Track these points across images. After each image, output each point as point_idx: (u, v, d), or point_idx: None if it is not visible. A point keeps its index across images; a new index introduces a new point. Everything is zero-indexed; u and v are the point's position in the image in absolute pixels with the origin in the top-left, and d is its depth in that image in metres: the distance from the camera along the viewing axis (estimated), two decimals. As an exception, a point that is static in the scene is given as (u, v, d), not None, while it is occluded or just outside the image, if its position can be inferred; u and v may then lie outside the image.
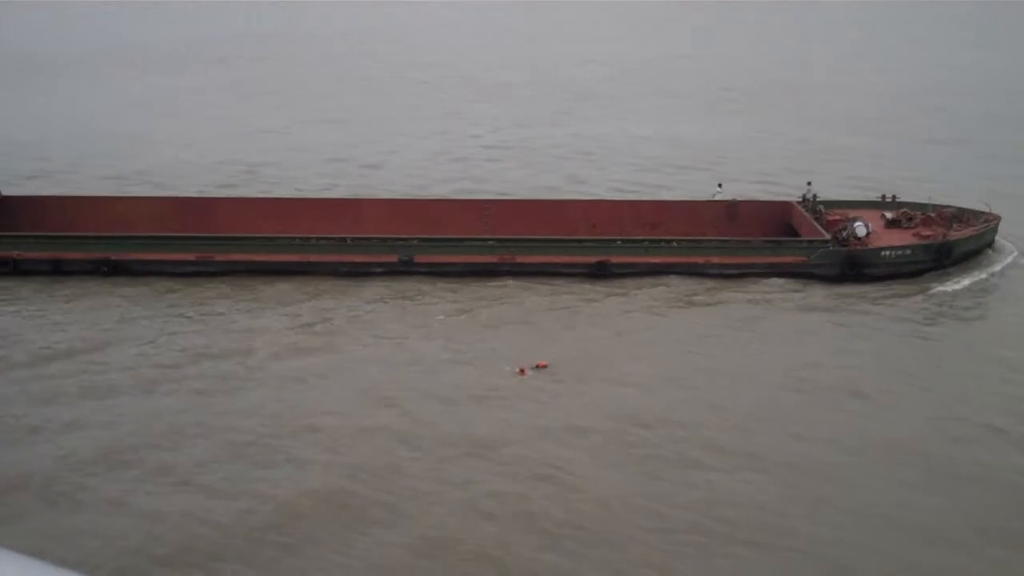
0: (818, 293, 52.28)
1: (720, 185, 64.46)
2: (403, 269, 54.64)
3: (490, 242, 55.50)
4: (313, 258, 54.89)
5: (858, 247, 54.71)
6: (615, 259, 54.43)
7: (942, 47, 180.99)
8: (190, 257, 55.03)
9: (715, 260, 54.35)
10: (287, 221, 60.12)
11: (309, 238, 55.73)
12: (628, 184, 75.41)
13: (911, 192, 63.67)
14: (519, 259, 54.76)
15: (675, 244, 55.23)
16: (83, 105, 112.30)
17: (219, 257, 54.99)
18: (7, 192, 63.47)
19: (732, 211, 60.51)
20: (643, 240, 55.71)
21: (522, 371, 41.73)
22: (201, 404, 39.05)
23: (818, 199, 60.24)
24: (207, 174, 78.68)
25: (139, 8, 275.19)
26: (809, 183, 61.79)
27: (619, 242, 55.42)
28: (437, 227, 58.89)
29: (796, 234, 58.40)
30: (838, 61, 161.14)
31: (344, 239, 55.71)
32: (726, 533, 30.12)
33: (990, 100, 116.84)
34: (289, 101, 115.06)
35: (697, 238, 56.02)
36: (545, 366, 42.25)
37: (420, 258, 54.68)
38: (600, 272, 54.24)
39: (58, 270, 54.70)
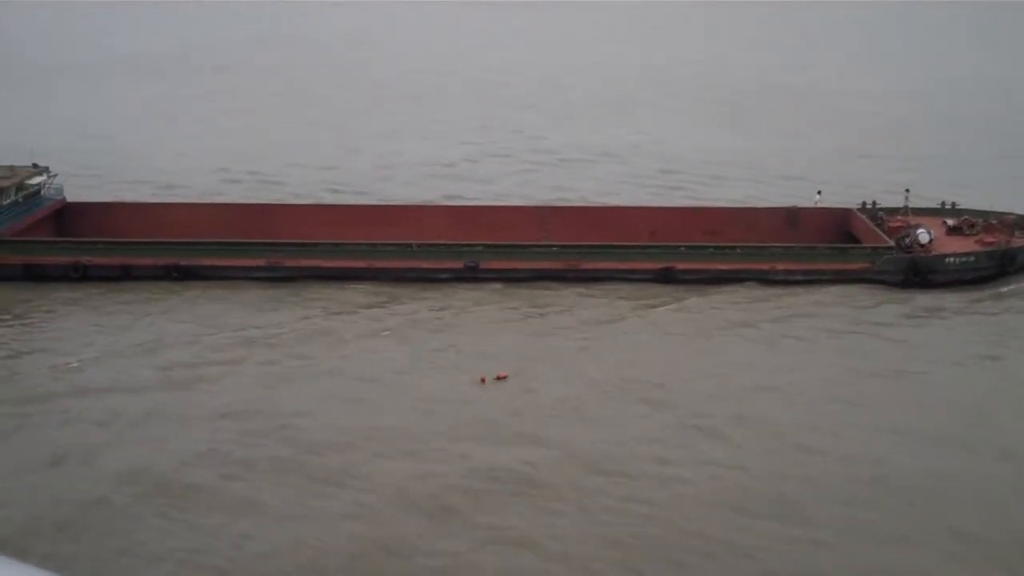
0: (890, 298, 52.50)
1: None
2: (469, 275, 55.02)
3: (555, 248, 55.89)
4: (380, 264, 55.31)
5: (922, 254, 54.99)
6: (680, 265, 54.77)
7: (956, 49, 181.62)
8: (259, 263, 55.49)
9: (780, 267, 54.66)
10: (348, 228, 60.53)
11: (375, 244, 56.17)
12: (664, 191, 75.59)
13: (955, 198, 63.65)
14: (584, 265, 55.13)
15: (739, 251, 55.53)
16: (96, 110, 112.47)
17: (287, 262, 55.47)
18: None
19: (792, 218, 60.84)
20: (708, 246, 56.03)
21: (482, 380, 41.87)
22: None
23: (878, 206, 60.55)
24: (226, 183, 78.72)
25: (139, 8, 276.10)
26: (876, 202, 61.61)
27: (683, 248, 55.74)
28: (497, 234, 59.22)
29: (856, 241, 58.70)
30: (852, 63, 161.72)
31: (410, 245, 56.14)
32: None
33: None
34: (321, 109, 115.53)
35: (762, 244, 56.32)
36: (504, 377, 42.13)
37: (486, 264, 55.06)
38: (665, 278, 54.55)
39: (127, 275, 55.15)
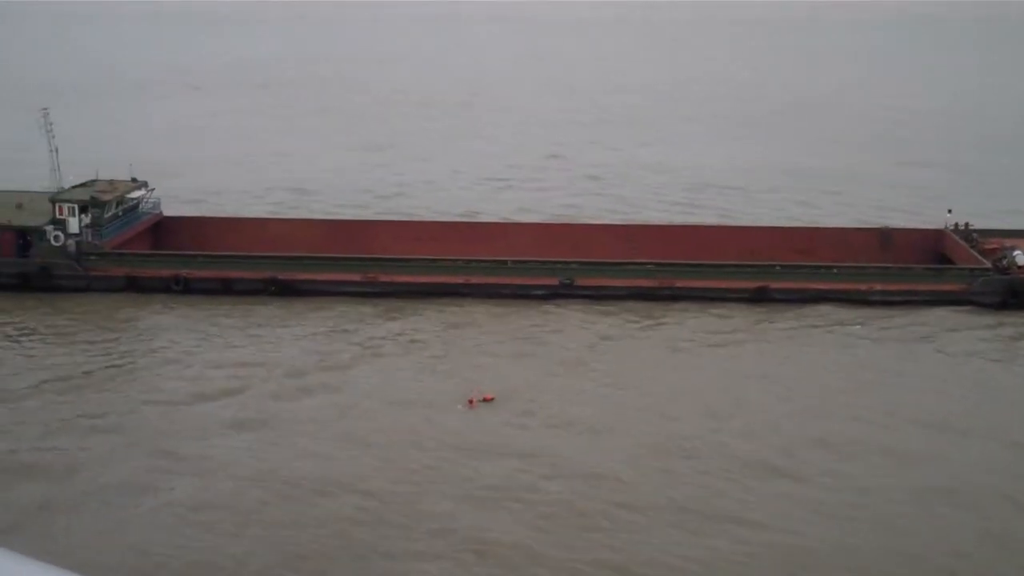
0: (992, 320, 52.14)
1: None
2: (563, 292, 55.39)
3: (649, 266, 56.14)
4: (475, 280, 55.81)
5: (1020, 275, 54.66)
6: (775, 285, 54.81)
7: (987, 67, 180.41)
8: (355, 278, 56.21)
9: (877, 287, 54.53)
10: (437, 244, 61.20)
11: (471, 260, 56.73)
12: (726, 210, 75.63)
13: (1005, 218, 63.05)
14: (678, 283, 55.31)
15: (835, 271, 55.49)
16: (140, 125, 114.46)
17: (384, 278, 56.15)
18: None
19: (884, 238, 60.69)
20: (803, 266, 56.04)
21: (471, 402, 41.71)
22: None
23: (971, 227, 60.28)
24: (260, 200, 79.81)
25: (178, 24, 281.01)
26: (969, 224, 61.20)
27: (778, 268, 55.79)
28: (585, 251, 59.54)
29: (948, 262, 58.43)
30: (887, 81, 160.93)
31: (505, 261, 56.64)
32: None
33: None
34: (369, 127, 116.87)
35: (858, 264, 56.22)
36: (492, 399, 41.87)
37: (580, 281, 55.42)
38: (760, 297, 54.59)
39: (227, 289, 56.11)
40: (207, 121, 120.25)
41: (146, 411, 40.99)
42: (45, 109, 59.28)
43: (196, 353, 47.63)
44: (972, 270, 55.16)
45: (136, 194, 61.06)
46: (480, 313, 53.03)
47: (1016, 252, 55.63)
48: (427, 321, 51.91)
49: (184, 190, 75.01)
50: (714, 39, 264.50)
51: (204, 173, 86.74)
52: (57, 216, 57.23)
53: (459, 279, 55.88)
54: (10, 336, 50.02)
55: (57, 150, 58.08)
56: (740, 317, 52.50)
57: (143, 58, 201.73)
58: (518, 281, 55.83)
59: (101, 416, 40.60)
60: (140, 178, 61.79)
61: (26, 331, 50.69)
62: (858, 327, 50.93)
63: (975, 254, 56.61)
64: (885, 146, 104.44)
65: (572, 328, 51.09)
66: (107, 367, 45.75)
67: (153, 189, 62.42)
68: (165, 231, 63.07)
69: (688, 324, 51.66)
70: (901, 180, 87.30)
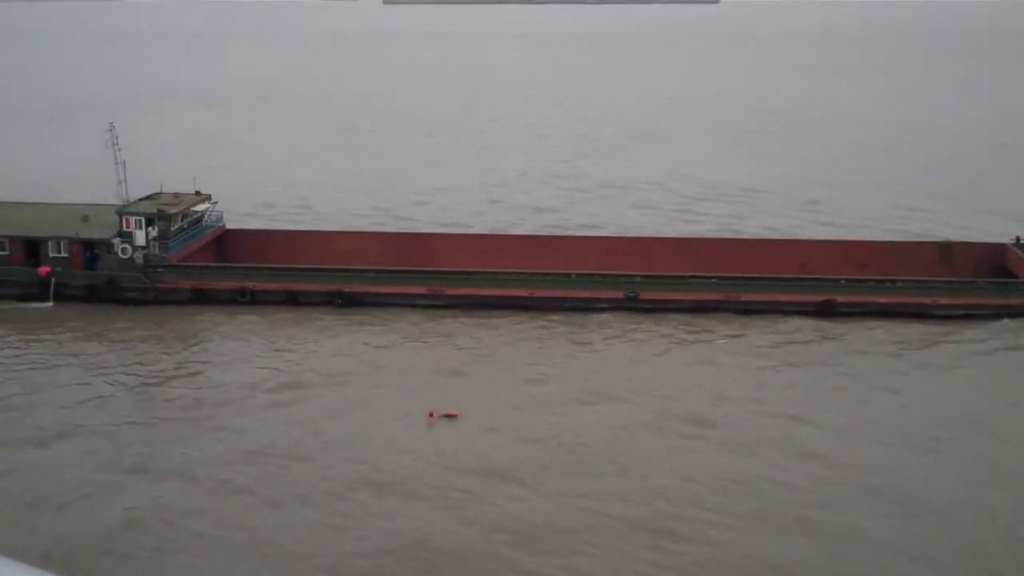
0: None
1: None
2: (628, 305, 55.59)
3: (714, 280, 56.29)
4: (539, 293, 56.10)
5: (1086, 289, 54.60)
6: (840, 298, 54.86)
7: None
8: (421, 291, 56.61)
9: (942, 300, 54.50)
10: (497, 257, 61.50)
11: (535, 273, 57.04)
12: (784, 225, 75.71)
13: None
14: (743, 297, 55.45)
15: (900, 284, 55.52)
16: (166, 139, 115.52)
17: (448, 291, 56.50)
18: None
19: (945, 252, 60.67)
20: (867, 279, 56.06)
21: (431, 415, 41.80)
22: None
23: (1030, 242, 60.22)
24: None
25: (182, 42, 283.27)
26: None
27: (843, 281, 55.87)
28: (645, 264, 59.68)
29: (1011, 276, 58.36)
30: (909, 95, 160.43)
31: (569, 275, 56.92)
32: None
33: None
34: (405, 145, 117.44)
35: (923, 278, 56.15)
36: (455, 415, 41.89)
37: (645, 294, 55.64)
38: (825, 311, 54.64)
39: (293, 301, 56.59)
40: (252, 138, 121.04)
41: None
42: (112, 123, 59.96)
43: (273, 364, 48.14)
44: (1039, 284, 55.14)
45: (201, 207, 61.66)
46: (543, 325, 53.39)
47: (1082, 266, 55.59)
48: (496, 333, 52.29)
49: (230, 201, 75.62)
50: (747, 56, 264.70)
51: (253, 185, 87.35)
52: (124, 229, 57.86)
53: (524, 292, 56.18)
54: (91, 345, 50.66)
55: (125, 164, 58.67)
56: (808, 329, 52.61)
57: (157, 73, 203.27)
58: (583, 294, 56.08)
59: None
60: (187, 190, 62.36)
61: (109, 342, 51.37)
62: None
63: (1041, 268, 56.57)
64: (930, 157, 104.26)
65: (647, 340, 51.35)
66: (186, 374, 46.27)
67: (216, 202, 63.01)
68: (228, 244, 63.64)
69: (766, 336, 51.83)
70: (953, 193, 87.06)
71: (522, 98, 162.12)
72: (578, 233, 68.75)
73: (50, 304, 56.79)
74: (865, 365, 48.19)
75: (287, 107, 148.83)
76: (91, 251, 58.10)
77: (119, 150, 59.10)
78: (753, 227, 73.93)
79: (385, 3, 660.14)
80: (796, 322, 53.64)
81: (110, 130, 59.27)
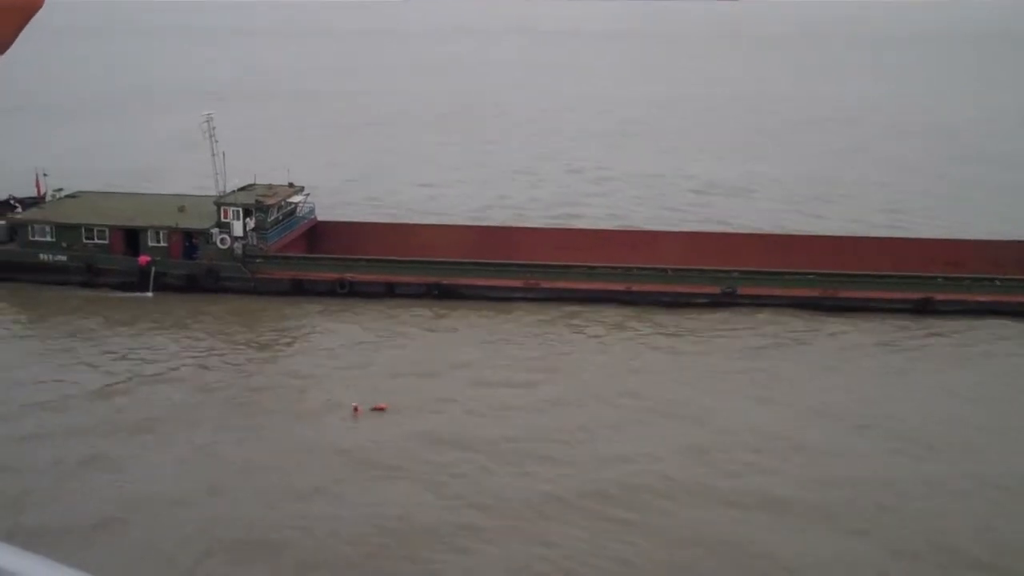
0: None
1: None
2: (726, 300, 55.89)
3: (811, 276, 56.54)
4: (636, 287, 56.45)
5: None
6: (939, 296, 55.04)
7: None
8: (516, 283, 57.03)
9: (1043, 298, 54.65)
10: (583, 251, 61.74)
11: (631, 267, 57.40)
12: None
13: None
14: (841, 293, 55.68)
15: (998, 282, 55.70)
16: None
17: (545, 284, 56.92)
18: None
19: (1040, 251, 60.79)
20: (965, 278, 56.22)
21: (356, 409, 41.79)
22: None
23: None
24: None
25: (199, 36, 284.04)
26: None
27: (941, 279, 56.06)
28: (736, 260, 59.80)
29: (1103, 275, 58.42)
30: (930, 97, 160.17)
31: (665, 270, 57.26)
32: None
33: None
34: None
35: (1020, 277, 56.29)
36: (384, 408, 41.91)
37: (743, 290, 55.92)
38: (923, 309, 54.82)
39: (391, 293, 57.09)
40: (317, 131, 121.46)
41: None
42: (209, 114, 60.43)
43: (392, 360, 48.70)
44: None
45: (295, 199, 62.18)
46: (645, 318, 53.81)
47: None
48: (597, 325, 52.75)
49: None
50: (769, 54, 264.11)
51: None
52: (222, 219, 58.42)
53: (620, 286, 56.53)
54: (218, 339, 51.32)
55: (224, 155, 59.18)
56: (899, 331, 52.86)
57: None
58: (680, 289, 56.38)
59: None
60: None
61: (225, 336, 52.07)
62: None
63: None
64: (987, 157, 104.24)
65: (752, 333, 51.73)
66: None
67: (309, 194, 63.52)
68: (319, 236, 64.16)
69: (848, 334, 52.14)
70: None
71: (586, 94, 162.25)
72: (665, 228, 68.90)
73: (150, 294, 57.38)
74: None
75: (328, 103, 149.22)
76: (190, 241, 58.67)
77: (216, 141, 59.57)
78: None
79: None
80: (895, 320, 53.91)
81: (207, 121, 59.74)
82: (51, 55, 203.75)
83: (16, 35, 3.29)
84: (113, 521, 33.20)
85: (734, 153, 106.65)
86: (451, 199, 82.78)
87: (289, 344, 51.55)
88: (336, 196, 75.35)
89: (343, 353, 49.13)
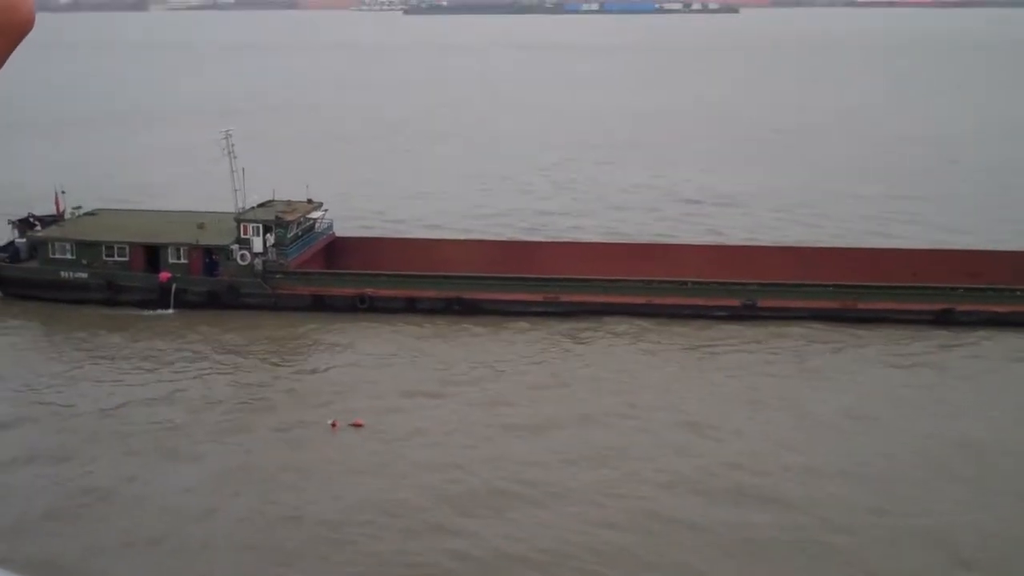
0: None
1: None
2: (746, 313, 55.96)
3: (831, 288, 56.62)
4: (656, 300, 56.53)
5: None
6: (960, 307, 55.10)
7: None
8: (537, 297, 57.17)
9: (1068, 310, 54.65)
10: (607, 264, 61.83)
11: (651, 280, 57.49)
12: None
13: None
14: (860, 305, 55.75)
15: (1019, 293, 55.73)
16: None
17: (565, 297, 57.05)
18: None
19: (1060, 262, 60.79)
20: (987, 288, 56.28)
21: (334, 425, 42.00)
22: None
23: None
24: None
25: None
26: None
27: (961, 290, 56.11)
28: (757, 272, 59.93)
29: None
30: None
31: (685, 282, 57.36)
32: None
33: None
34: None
35: (1047, 288, 56.35)
36: (361, 424, 42.08)
37: (763, 302, 55.99)
38: (944, 320, 54.89)
39: (411, 308, 57.19)
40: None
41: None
42: (227, 131, 60.64)
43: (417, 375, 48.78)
44: None
45: (315, 215, 62.37)
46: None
47: None
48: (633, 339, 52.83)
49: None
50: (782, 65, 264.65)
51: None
52: (242, 236, 58.58)
53: (640, 299, 56.62)
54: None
55: (243, 171, 59.35)
56: (919, 342, 52.90)
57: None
58: (699, 302, 56.47)
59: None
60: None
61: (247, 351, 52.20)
62: None
63: None
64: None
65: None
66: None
67: (327, 210, 63.69)
68: (337, 251, 64.33)
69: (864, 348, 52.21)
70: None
71: (596, 108, 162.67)
72: (684, 241, 68.99)
73: (171, 311, 57.50)
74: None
75: (331, 116, 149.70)
76: (210, 257, 58.81)
77: (235, 157, 59.74)
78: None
79: (405, 13, 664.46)
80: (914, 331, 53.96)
81: (226, 137, 59.95)
82: (46, 70, 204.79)
83: (6, 57, 3.30)
84: (148, 540, 33.31)
85: (723, 163, 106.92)
86: (446, 210, 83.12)
87: (309, 358, 51.58)
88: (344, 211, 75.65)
89: (361, 369, 49.24)
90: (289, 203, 62.07)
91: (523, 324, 55.10)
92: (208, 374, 48.69)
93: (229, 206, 59.89)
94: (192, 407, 44.46)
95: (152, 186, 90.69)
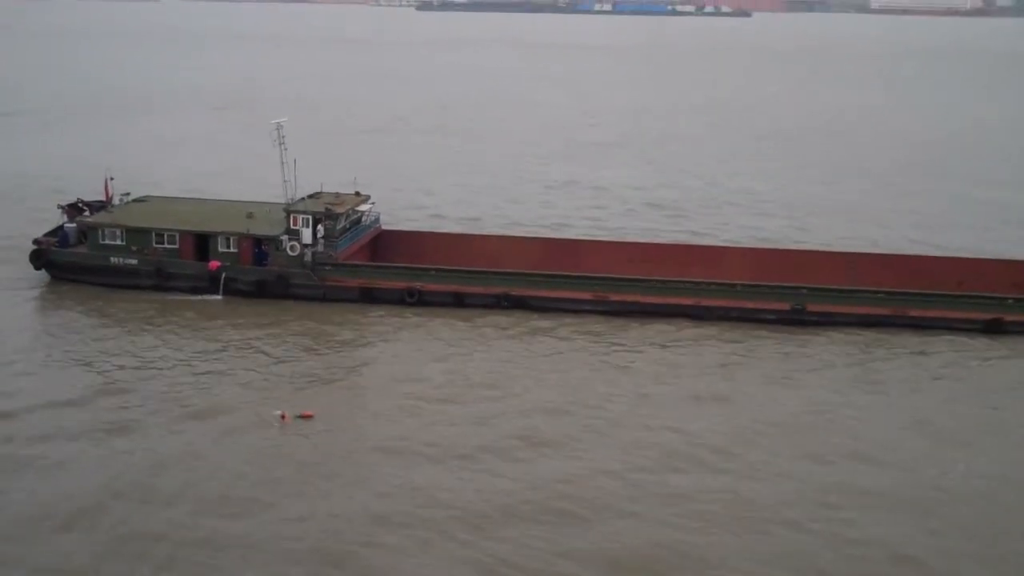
0: None
1: None
2: (795, 317, 55.94)
3: (881, 294, 56.64)
4: (705, 302, 56.58)
5: None
6: (1009, 317, 55.15)
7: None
8: (586, 296, 57.25)
9: (1122, 318, 54.65)
10: (651, 264, 61.90)
11: (701, 282, 57.56)
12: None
13: None
14: (911, 312, 55.76)
15: (1067, 305, 55.80)
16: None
17: (614, 297, 57.11)
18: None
19: (1107, 273, 60.78)
20: (1036, 298, 56.38)
21: (283, 416, 42.15)
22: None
23: None
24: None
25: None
26: None
27: (1011, 300, 56.16)
28: (804, 277, 59.82)
29: None
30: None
31: (734, 285, 57.41)
32: None
33: None
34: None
35: (1093, 299, 56.40)
36: (310, 416, 42.34)
37: (812, 307, 56.00)
38: (993, 329, 54.92)
39: (459, 303, 57.30)
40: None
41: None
42: (279, 122, 60.77)
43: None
44: None
45: (363, 207, 62.49)
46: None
47: None
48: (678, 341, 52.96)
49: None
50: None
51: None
52: (292, 227, 58.69)
53: (689, 301, 56.68)
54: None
55: (295, 162, 59.41)
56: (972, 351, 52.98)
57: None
58: (748, 305, 56.51)
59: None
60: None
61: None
62: None
63: None
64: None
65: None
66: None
67: (374, 203, 63.81)
68: (383, 244, 64.45)
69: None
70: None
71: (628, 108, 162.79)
72: (731, 243, 69.02)
73: (219, 297, 57.70)
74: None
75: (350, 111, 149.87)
76: (259, 247, 58.90)
77: (285, 149, 59.84)
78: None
79: (418, 9, 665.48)
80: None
81: (277, 129, 60.06)
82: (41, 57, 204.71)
83: None
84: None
85: (721, 166, 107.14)
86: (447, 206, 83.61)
87: (358, 351, 51.62)
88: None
89: (410, 363, 49.39)
90: (337, 195, 62.17)
91: (569, 320, 55.26)
92: (265, 357, 48.89)
93: (250, 196, 59.96)
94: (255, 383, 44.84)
95: (188, 176, 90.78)
